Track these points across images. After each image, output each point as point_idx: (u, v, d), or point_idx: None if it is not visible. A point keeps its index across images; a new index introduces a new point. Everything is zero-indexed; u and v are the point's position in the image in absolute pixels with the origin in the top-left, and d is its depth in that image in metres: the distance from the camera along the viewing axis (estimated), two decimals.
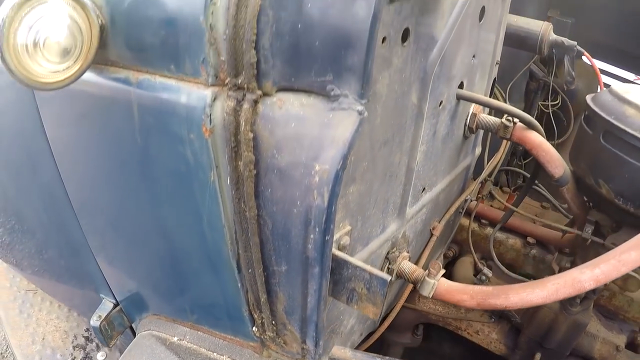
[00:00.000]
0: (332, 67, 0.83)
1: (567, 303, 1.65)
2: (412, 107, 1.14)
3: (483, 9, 1.36)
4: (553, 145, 1.47)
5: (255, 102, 0.86)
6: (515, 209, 1.70)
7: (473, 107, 1.52)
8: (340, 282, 1.04)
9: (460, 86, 1.39)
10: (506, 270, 1.76)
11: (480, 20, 1.36)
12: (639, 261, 1.17)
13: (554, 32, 2.05)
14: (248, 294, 1.11)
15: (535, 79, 2.23)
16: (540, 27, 1.78)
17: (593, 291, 1.65)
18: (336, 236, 1.04)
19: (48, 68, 0.86)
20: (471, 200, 1.95)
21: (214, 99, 0.87)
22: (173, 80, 0.92)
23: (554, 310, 1.68)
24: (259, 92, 0.86)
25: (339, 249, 1.06)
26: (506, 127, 1.45)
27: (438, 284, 1.33)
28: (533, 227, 1.90)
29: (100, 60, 0.99)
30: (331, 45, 0.81)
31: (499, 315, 1.88)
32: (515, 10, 2.05)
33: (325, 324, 1.22)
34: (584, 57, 2.39)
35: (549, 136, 2.36)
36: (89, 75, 0.98)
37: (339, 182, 0.85)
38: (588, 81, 2.38)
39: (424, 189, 1.41)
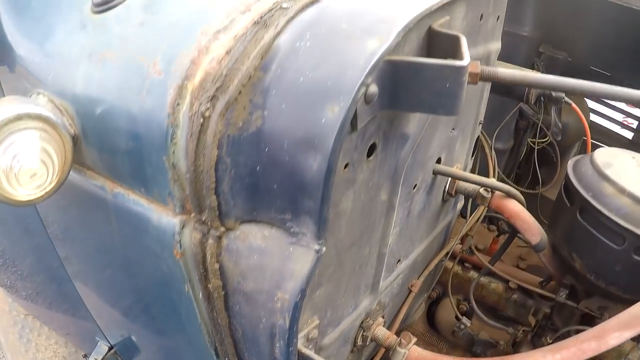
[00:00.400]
0: (290, 208, 0.86)
1: None
2: (382, 204, 1.16)
3: None
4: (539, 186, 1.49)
5: (219, 237, 0.91)
6: (490, 266, 1.74)
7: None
8: None
9: (438, 161, 1.41)
10: (485, 318, 1.81)
11: None
12: (598, 350, 1.21)
13: (546, 69, 2.04)
14: None
15: (525, 118, 2.23)
16: None
17: None
18: (304, 332, 1.09)
19: (23, 191, 0.91)
20: (467, 236, 1.99)
21: (182, 227, 0.92)
22: (145, 200, 0.97)
23: None
24: (222, 229, 0.91)
25: (308, 340, 1.11)
26: (483, 196, 1.48)
27: (409, 353, 1.38)
28: (516, 272, 1.95)
29: (79, 161, 1.03)
30: (288, 189, 0.84)
31: None
32: (506, 47, 2.04)
33: None
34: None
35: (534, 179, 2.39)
36: (71, 174, 1.04)
37: (298, 309, 0.90)
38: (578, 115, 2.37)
39: (399, 260, 1.45)
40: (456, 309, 1.90)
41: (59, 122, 0.96)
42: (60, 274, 1.43)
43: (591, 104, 2.63)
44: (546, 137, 2.27)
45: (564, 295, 1.58)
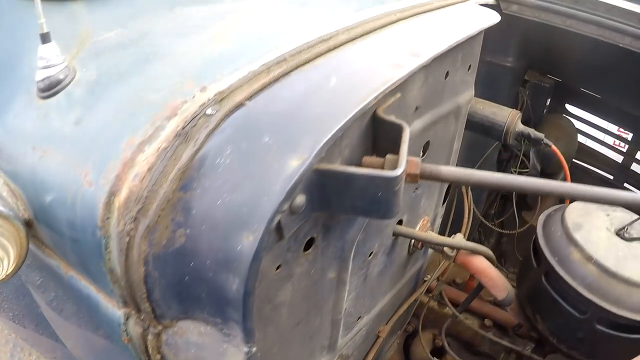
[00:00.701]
0: (219, 315, 0.88)
1: None
2: (330, 282, 1.17)
3: (427, 144, 1.34)
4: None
5: (158, 334, 0.94)
6: (458, 314, 1.74)
7: (418, 228, 1.53)
8: None
9: (400, 222, 1.39)
10: (456, 358, 1.82)
11: (423, 155, 1.34)
12: None
13: (532, 96, 1.99)
14: None
15: (508, 149, 2.18)
16: (506, 118, 1.72)
17: None
18: None
19: None
20: (437, 281, 1.99)
21: (127, 318, 0.95)
22: (93, 288, 1.00)
23: None
24: (160, 327, 0.94)
25: None
26: (448, 255, 1.46)
27: None
28: (491, 309, 1.93)
29: (38, 238, 1.07)
30: (215, 300, 0.86)
31: None
32: (489, 79, 1.99)
33: None
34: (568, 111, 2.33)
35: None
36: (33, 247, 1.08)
37: None
38: (565, 143, 2.31)
39: (360, 317, 1.45)
40: (428, 346, 1.91)
41: (12, 214, 0.99)
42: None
43: (580, 125, 2.56)
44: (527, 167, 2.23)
45: (529, 350, 1.58)
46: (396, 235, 1.38)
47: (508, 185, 0.95)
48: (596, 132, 2.61)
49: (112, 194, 0.86)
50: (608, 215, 1.50)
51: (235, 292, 0.82)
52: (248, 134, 0.84)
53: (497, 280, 1.47)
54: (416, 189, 1.40)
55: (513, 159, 2.19)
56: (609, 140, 2.69)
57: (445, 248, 1.46)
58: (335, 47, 1.03)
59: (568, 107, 2.49)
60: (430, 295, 1.85)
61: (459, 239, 1.46)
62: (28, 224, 1.03)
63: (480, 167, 2.24)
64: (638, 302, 1.31)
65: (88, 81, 1.05)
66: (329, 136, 0.80)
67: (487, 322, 1.94)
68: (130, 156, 0.87)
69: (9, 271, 0.99)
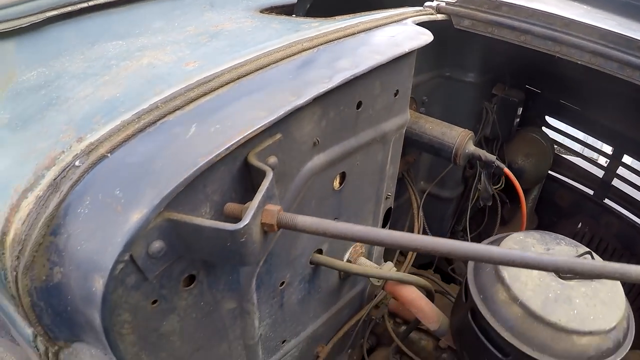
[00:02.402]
0: (98, 342, 1.01)
1: None
2: (231, 311, 1.24)
3: (343, 175, 1.39)
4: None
5: (56, 353, 1.08)
6: (401, 344, 1.78)
7: (349, 253, 1.58)
8: None
9: (320, 251, 1.45)
10: None
11: (340, 186, 1.39)
12: None
13: (500, 110, 1.98)
14: None
15: (473, 166, 2.18)
16: (456, 139, 1.74)
17: None
18: None
19: None
20: (381, 303, 2.03)
21: (35, 337, 1.08)
22: (12, 308, 1.12)
23: None
24: (56, 347, 1.07)
25: None
26: (375, 285, 1.51)
27: None
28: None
29: None
30: (91, 329, 0.98)
31: None
32: (451, 95, 2.00)
33: None
34: (548, 125, 2.30)
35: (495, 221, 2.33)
36: None
37: None
38: (537, 159, 2.28)
39: (285, 340, 1.53)
40: None
41: None
42: None
43: (560, 138, 2.52)
44: (499, 182, 2.22)
45: None
46: (314, 264, 1.44)
47: (369, 238, 0.94)
48: (578, 145, 2.56)
49: (3, 234, 0.99)
50: (549, 249, 1.48)
51: (98, 326, 0.93)
52: (104, 186, 0.94)
53: (427, 312, 1.50)
54: (336, 218, 1.45)
55: (478, 177, 2.19)
56: (591, 154, 2.63)
57: (371, 280, 1.51)
58: (212, 90, 1.10)
59: (548, 119, 2.46)
60: (375, 317, 1.90)
61: (387, 268, 1.50)
62: None
63: (444, 185, 2.25)
64: (564, 350, 1.28)
65: (1, 125, 1.17)
66: (169, 190, 0.89)
67: (442, 343, 1.97)
68: (16, 202, 0.99)
69: None
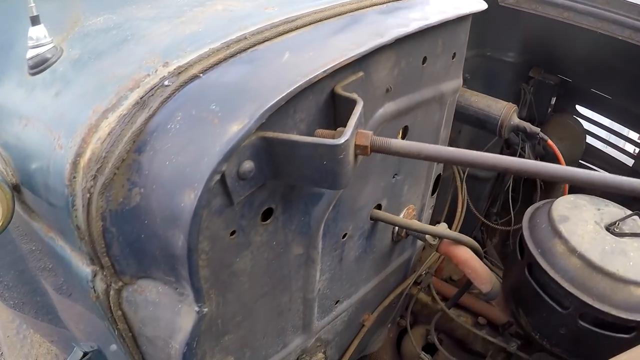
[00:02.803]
0: (172, 273, 0.95)
1: None
2: (297, 258, 1.21)
3: (406, 129, 1.37)
4: None
5: (119, 290, 1.03)
6: (447, 310, 1.74)
7: (403, 215, 1.55)
8: None
9: (379, 207, 1.42)
10: (446, 354, 1.82)
11: (402, 139, 1.37)
12: None
13: (536, 93, 1.97)
14: None
15: (511, 146, 2.16)
16: (501, 111, 1.72)
17: None
18: None
19: None
20: (426, 273, 1.99)
21: (94, 276, 1.03)
22: (68, 248, 1.09)
23: None
24: (120, 283, 1.02)
25: None
26: (431, 244, 1.48)
27: None
28: (485, 307, 1.91)
29: (25, 201, 1.17)
30: (167, 257, 0.93)
31: None
32: (489, 74, 1.99)
33: None
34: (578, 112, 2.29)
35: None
36: (20, 212, 1.19)
37: (188, 357, 1.00)
38: (571, 143, 2.27)
39: (338, 301, 1.48)
40: (421, 342, 1.90)
41: (0, 176, 1.08)
42: (40, 285, 1.58)
43: (590, 127, 2.51)
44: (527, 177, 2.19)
45: (515, 346, 1.56)
46: (374, 219, 1.41)
47: (461, 159, 0.95)
48: (607, 134, 2.55)
49: (78, 155, 0.94)
50: (599, 209, 1.48)
51: (180, 249, 0.88)
52: (198, 102, 0.91)
53: (480, 272, 1.46)
54: (395, 175, 1.42)
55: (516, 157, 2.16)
56: (621, 143, 2.61)
57: (427, 236, 1.48)
58: (298, 28, 1.08)
59: (578, 108, 2.45)
60: (418, 287, 1.85)
61: (442, 227, 1.47)
62: (16, 189, 1.13)
63: None
64: (623, 300, 1.28)
65: (71, 59, 1.14)
66: (270, 104, 0.85)
67: (481, 320, 1.92)
68: (94, 122, 0.95)
69: None
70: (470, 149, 2.10)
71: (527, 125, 1.74)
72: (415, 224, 1.44)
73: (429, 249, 1.90)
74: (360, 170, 1.25)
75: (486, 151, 2.14)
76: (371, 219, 1.41)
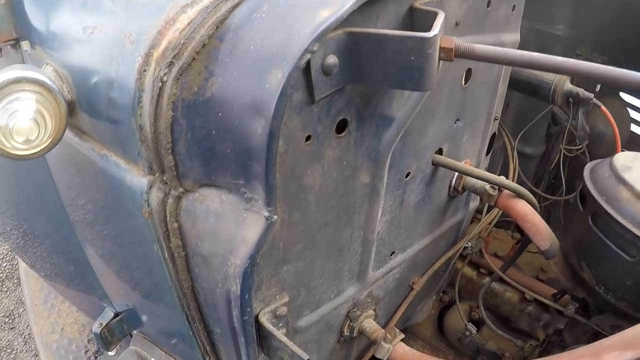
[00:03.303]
0: (242, 173, 0.87)
1: None
2: (363, 187, 1.13)
3: (469, 72, 1.31)
4: None
5: (179, 197, 0.95)
6: (501, 274, 1.64)
7: None
8: (272, 349, 1.09)
9: (440, 152, 1.35)
10: (493, 327, 1.71)
11: (465, 84, 1.30)
12: None
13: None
14: (198, 341, 1.19)
15: (557, 122, 2.09)
16: (555, 76, 1.66)
17: None
18: (271, 307, 1.09)
19: (21, 145, 0.99)
20: (472, 247, 1.90)
21: (150, 187, 0.96)
22: (123, 161, 1.03)
23: None
24: (181, 189, 0.94)
25: (275, 317, 1.11)
26: (490, 194, 1.40)
27: (394, 349, 1.33)
28: (533, 282, 1.83)
29: (77, 125, 1.10)
30: (240, 153, 0.86)
31: None
32: (537, 47, 1.93)
33: None
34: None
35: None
36: (71, 136, 1.12)
37: (249, 277, 0.91)
38: (617, 125, 2.18)
39: (393, 252, 1.40)
40: (465, 315, 1.80)
41: (56, 88, 1.03)
42: (73, 242, 1.51)
43: (633, 113, 2.43)
44: (580, 145, 2.11)
45: (573, 309, 1.46)
46: (435, 164, 1.34)
47: (541, 63, 0.88)
48: None
49: (152, 47, 0.88)
50: None
51: (259, 137, 0.81)
52: None
53: (540, 227, 1.37)
54: (457, 120, 1.35)
55: (563, 134, 2.08)
56: None
57: (487, 187, 1.40)
58: None
59: (622, 95, 2.38)
60: (469, 251, 1.76)
61: (502, 178, 1.39)
62: (70, 106, 1.07)
63: (529, 141, 2.15)
64: None
65: None
66: None
67: (528, 295, 1.82)
68: (172, 16, 0.90)
69: (46, 144, 1.02)
70: (518, 125, 2.06)
71: (580, 91, 1.68)
72: (476, 170, 1.36)
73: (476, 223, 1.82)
74: (426, 106, 1.18)
75: (533, 126, 2.10)
76: (433, 163, 1.33)
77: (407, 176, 1.26)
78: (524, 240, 1.60)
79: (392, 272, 1.45)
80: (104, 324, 1.65)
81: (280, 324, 1.12)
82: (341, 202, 1.10)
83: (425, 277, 1.62)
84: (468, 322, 1.84)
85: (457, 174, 1.47)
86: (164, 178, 0.93)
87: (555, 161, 2.12)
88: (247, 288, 0.92)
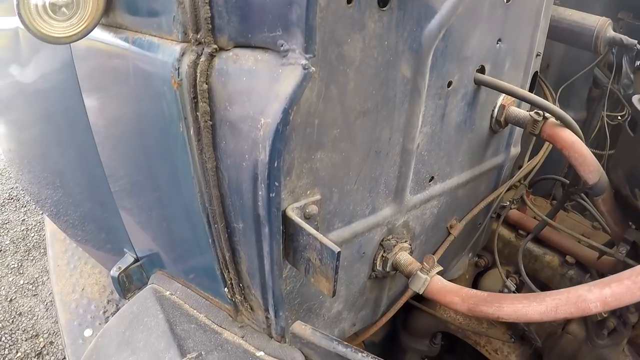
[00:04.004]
0: (280, 22, 0.82)
1: (592, 333, 1.44)
2: (404, 81, 1.05)
3: None
4: None
5: (212, 55, 0.89)
6: (548, 220, 1.51)
7: (502, 99, 1.38)
8: (298, 250, 0.99)
9: (482, 71, 1.26)
10: (534, 287, 1.57)
11: (506, 1, 1.23)
12: None
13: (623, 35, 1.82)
14: (217, 251, 1.09)
15: (599, 86, 1.98)
16: (597, 23, 1.57)
17: (624, 324, 1.41)
18: (301, 203, 1.00)
19: (57, 26, 0.95)
20: (511, 207, 1.78)
21: (182, 54, 0.91)
22: (156, 38, 0.98)
23: (578, 339, 1.47)
24: (215, 46, 0.88)
25: (305, 217, 1.01)
26: (535, 121, 1.29)
27: (431, 281, 1.21)
28: (574, 245, 1.68)
29: (112, 23, 1.06)
30: (279, 0, 0.78)
31: (521, 337, 1.67)
32: (582, 3, 1.85)
33: (300, 300, 1.18)
34: None
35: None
36: (103, 35, 1.07)
37: (279, 136, 0.83)
38: None
39: (433, 177, 1.30)
40: (501, 283, 1.66)
41: None
42: (99, 178, 1.45)
43: None
44: (623, 111, 1.99)
45: (624, 251, 1.32)
46: (478, 82, 1.25)
47: None
48: None
49: None
50: None
51: None
52: None
53: (587, 157, 1.25)
54: (499, 40, 1.27)
55: (605, 99, 1.97)
56: None
57: (531, 114, 1.30)
58: None
59: None
60: (512, 199, 1.63)
61: (548, 102, 1.29)
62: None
63: (569, 105, 2.03)
64: None
65: None
66: None
67: (569, 258, 1.68)
68: None
69: (82, 27, 0.98)
70: (559, 84, 1.95)
71: (624, 38, 1.58)
72: (519, 90, 1.26)
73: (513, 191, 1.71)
74: (468, 11, 1.11)
75: (574, 89, 1.99)
76: (475, 82, 1.25)
77: (449, 85, 1.17)
78: (568, 186, 1.48)
79: (430, 204, 1.34)
80: (123, 268, 1.58)
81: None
82: (381, 91, 1.02)
83: (464, 222, 1.50)
84: (506, 284, 1.70)
85: (499, 104, 1.38)
86: (198, 37, 0.87)
87: (596, 128, 2.00)
88: (277, 153, 0.83)
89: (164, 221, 1.32)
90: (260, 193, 0.89)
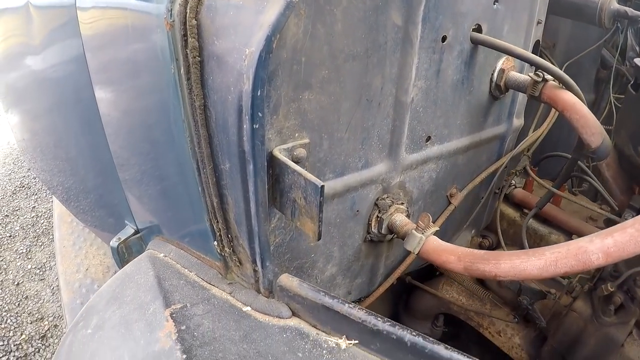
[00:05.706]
0: None
1: (599, 309, 1.36)
2: (395, 28, 1.03)
3: None
4: None
5: None
6: (555, 190, 1.45)
7: (502, 62, 1.34)
8: (284, 191, 0.96)
9: (479, 30, 1.23)
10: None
11: None
12: None
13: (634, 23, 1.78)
14: (207, 199, 1.07)
15: (607, 67, 1.92)
16: None
17: (632, 299, 1.34)
18: (289, 145, 0.97)
19: None
20: (515, 187, 1.73)
21: None
22: None
23: (583, 317, 1.39)
24: None
25: (293, 160, 0.98)
26: (535, 83, 1.25)
27: (426, 241, 1.17)
28: (580, 224, 1.62)
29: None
30: None
31: (525, 318, 1.60)
32: None
33: (290, 255, 1.14)
34: None
35: None
36: None
37: (262, 64, 0.82)
38: None
39: (429, 138, 1.26)
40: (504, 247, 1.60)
41: None
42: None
43: None
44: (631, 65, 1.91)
45: (630, 217, 1.25)
46: (474, 41, 1.22)
47: None
48: None
49: None
50: None
51: None
52: None
53: (589, 118, 1.21)
54: (496, 1, 1.24)
55: (613, 80, 1.91)
56: None
57: (531, 74, 1.26)
58: None
59: None
60: (511, 172, 1.58)
61: (548, 63, 1.25)
62: None
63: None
64: None
65: None
66: None
67: (575, 237, 1.60)
68: None
69: None
70: (566, 63, 1.90)
71: (629, 10, 1.53)
72: (517, 49, 1.22)
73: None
74: None
75: (581, 65, 1.94)
76: (472, 41, 1.22)
77: (443, 40, 1.14)
78: (571, 158, 1.43)
79: (427, 166, 1.30)
80: (122, 239, 1.57)
81: None
82: (370, 36, 0.99)
83: (465, 192, 1.45)
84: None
85: (499, 68, 1.34)
86: None
87: (605, 110, 1.94)
88: (260, 81, 0.82)
89: (159, 182, 1.31)
90: (245, 127, 0.87)
